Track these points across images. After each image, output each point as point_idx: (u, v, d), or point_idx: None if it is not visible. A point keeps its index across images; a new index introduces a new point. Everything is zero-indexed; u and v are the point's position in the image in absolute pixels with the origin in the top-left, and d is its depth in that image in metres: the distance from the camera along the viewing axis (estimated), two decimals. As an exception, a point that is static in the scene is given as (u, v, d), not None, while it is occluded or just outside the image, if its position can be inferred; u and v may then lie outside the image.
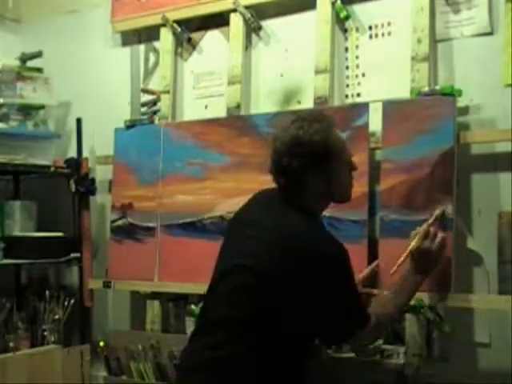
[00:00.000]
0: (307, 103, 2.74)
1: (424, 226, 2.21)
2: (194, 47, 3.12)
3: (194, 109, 3.09)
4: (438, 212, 2.25)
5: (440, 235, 2.17)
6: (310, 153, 1.91)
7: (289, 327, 1.87)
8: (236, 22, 2.91)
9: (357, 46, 2.71)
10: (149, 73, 3.27)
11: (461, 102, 2.41)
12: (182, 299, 2.92)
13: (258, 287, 1.87)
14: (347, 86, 2.73)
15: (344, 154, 2.00)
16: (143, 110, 3.21)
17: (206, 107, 3.07)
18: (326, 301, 1.88)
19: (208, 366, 1.90)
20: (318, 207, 2.03)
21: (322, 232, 2.00)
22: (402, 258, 2.17)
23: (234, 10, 2.90)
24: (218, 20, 3.01)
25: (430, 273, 2.16)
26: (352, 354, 2.49)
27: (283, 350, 1.88)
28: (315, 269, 1.85)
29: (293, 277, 1.85)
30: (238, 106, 2.86)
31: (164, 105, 3.11)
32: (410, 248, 2.17)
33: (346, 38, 2.73)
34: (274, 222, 1.95)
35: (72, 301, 3.16)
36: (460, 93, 2.38)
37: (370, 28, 2.68)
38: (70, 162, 3.23)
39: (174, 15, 3.07)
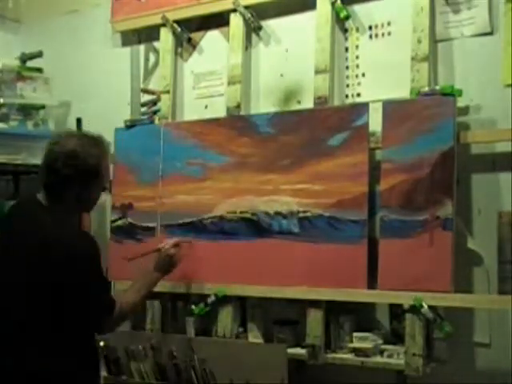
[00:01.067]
0: (307, 103, 2.74)
1: (176, 239, 2.70)
2: (194, 47, 3.12)
3: (193, 109, 3.09)
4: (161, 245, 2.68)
5: (176, 251, 2.64)
6: (81, 170, 2.18)
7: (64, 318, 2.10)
8: (236, 22, 2.91)
9: (357, 46, 2.71)
10: (149, 73, 3.27)
11: (461, 102, 2.41)
12: (181, 299, 2.92)
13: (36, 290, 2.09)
14: (347, 85, 2.73)
15: (105, 179, 2.30)
16: (143, 110, 3.22)
17: (205, 107, 3.07)
18: (80, 290, 2.11)
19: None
20: (70, 212, 2.27)
21: (73, 231, 2.24)
22: (150, 251, 2.65)
23: (234, 10, 2.90)
24: (218, 20, 3.01)
25: (166, 274, 2.58)
26: (352, 355, 2.50)
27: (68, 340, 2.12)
28: (70, 263, 2.09)
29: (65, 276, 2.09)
30: (238, 106, 2.86)
31: (164, 105, 3.11)
32: (160, 246, 2.65)
33: (346, 38, 2.73)
34: (40, 229, 2.15)
35: (72, 301, 3.15)
36: (460, 93, 2.38)
37: (370, 28, 2.68)
38: (70, 162, 3.22)
39: (174, 15, 3.07)
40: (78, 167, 2.16)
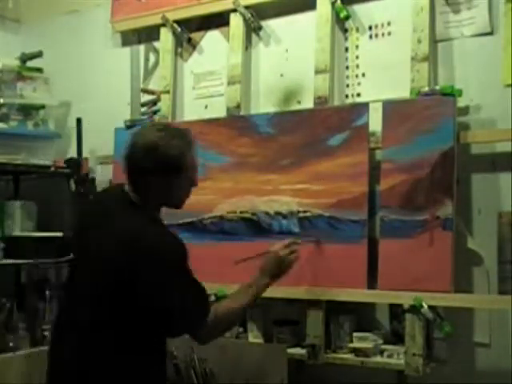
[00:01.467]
0: (307, 103, 2.75)
1: (290, 239, 2.36)
2: (194, 47, 3.12)
3: (193, 109, 3.09)
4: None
5: (296, 254, 2.33)
6: (162, 162, 2.04)
7: (143, 324, 1.99)
8: (236, 21, 2.91)
9: (357, 46, 2.71)
10: (149, 73, 3.27)
11: (461, 102, 2.41)
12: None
13: (118, 289, 1.99)
14: (347, 86, 2.73)
15: (190, 172, 2.14)
16: (143, 110, 3.22)
17: (205, 107, 3.07)
18: (168, 295, 1.99)
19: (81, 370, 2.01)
20: (155, 208, 2.15)
21: (162, 230, 2.11)
22: (256, 254, 2.34)
23: (234, 10, 2.90)
24: (218, 20, 3.01)
25: (276, 280, 2.27)
26: (352, 355, 2.50)
27: (143, 347, 2.02)
28: (157, 265, 1.97)
29: (144, 275, 1.97)
30: (238, 106, 2.86)
31: (164, 105, 3.11)
32: (272, 248, 2.31)
33: (346, 38, 2.73)
34: (121, 225, 2.06)
35: (72, 301, 3.16)
36: (460, 93, 2.38)
37: (370, 28, 2.68)
38: (70, 162, 3.23)
39: (174, 15, 3.07)
40: (157, 159, 2.03)
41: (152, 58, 3.26)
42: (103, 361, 2.00)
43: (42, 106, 3.30)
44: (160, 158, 2.04)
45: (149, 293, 1.96)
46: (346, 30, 2.73)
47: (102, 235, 2.06)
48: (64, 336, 2.12)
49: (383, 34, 2.65)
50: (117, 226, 2.05)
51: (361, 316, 2.61)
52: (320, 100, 2.65)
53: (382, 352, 2.48)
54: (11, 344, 2.96)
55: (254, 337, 2.73)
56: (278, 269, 2.28)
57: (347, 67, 2.73)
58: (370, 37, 2.68)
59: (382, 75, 2.63)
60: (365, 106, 2.54)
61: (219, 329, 2.15)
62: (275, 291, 2.60)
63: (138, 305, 1.97)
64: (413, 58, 2.48)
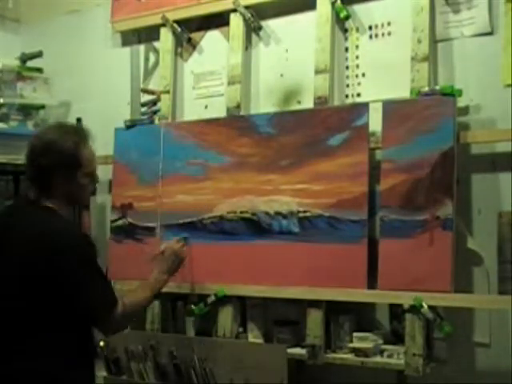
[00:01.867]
0: (307, 103, 2.74)
1: (176, 238, 2.70)
2: (194, 47, 3.12)
3: (193, 109, 3.09)
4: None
5: (185, 248, 2.65)
6: (59, 158, 2.14)
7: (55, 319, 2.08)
8: (236, 21, 2.91)
9: (357, 46, 2.71)
10: (149, 73, 3.27)
11: (461, 102, 2.41)
12: (181, 299, 2.92)
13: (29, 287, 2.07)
14: (347, 85, 2.73)
15: (89, 167, 2.24)
16: (143, 110, 3.22)
17: (205, 107, 3.07)
18: (79, 286, 2.10)
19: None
20: (62, 207, 2.21)
21: (69, 227, 2.22)
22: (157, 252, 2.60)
23: (234, 10, 2.90)
24: (218, 20, 3.01)
25: (173, 273, 2.52)
26: (352, 355, 2.50)
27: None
28: (66, 260, 2.07)
29: (53, 271, 2.06)
30: (238, 106, 2.86)
31: (164, 105, 3.10)
32: (162, 247, 2.60)
33: (346, 38, 2.73)
34: (31, 226, 2.14)
35: (72, 301, 3.15)
36: (460, 93, 2.38)
37: (370, 28, 2.68)
38: (70, 162, 3.22)
39: (174, 15, 3.07)
40: (53, 156, 2.13)
41: (152, 58, 3.26)
42: (25, 362, 2.05)
43: (42, 106, 3.30)
44: (58, 155, 2.14)
45: (61, 288, 2.05)
46: (346, 30, 2.73)
47: (13, 237, 2.14)
48: None
49: (383, 34, 2.65)
50: (28, 226, 2.14)
51: (361, 316, 2.61)
52: (320, 100, 2.65)
53: (382, 352, 2.48)
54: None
55: (254, 337, 2.73)
56: (174, 264, 2.53)
57: (347, 67, 2.73)
58: (370, 37, 2.68)
59: (382, 75, 2.63)
60: (365, 106, 2.54)
61: (125, 322, 2.32)
62: (275, 291, 2.61)
63: (50, 302, 2.06)
64: (413, 58, 2.48)
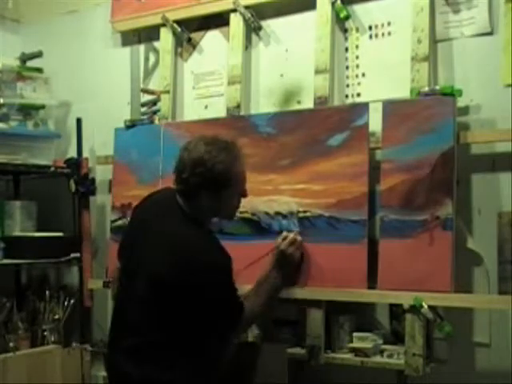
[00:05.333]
0: (307, 103, 2.75)
1: (293, 234, 2.47)
2: (194, 47, 3.12)
3: (193, 109, 3.09)
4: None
5: (300, 249, 2.47)
6: (209, 177, 2.13)
7: (193, 326, 2.12)
8: (236, 22, 2.91)
9: (357, 46, 2.71)
10: (149, 73, 3.27)
11: (461, 102, 2.41)
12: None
13: (165, 297, 2.10)
14: (347, 85, 2.73)
15: (239, 185, 2.23)
16: (143, 110, 3.22)
17: (205, 107, 3.07)
18: (215, 303, 2.14)
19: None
20: (206, 220, 2.27)
21: (211, 243, 2.21)
22: (265, 255, 2.47)
23: (234, 10, 2.90)
24: (218, 20, 3.01)
25: (286, 280, 2.42)
26: (352, 355, 2.50)
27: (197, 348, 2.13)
28: (206, 276, 2.09)
29: (189, 285, 2.09)
30: (238, 106, 2.86)
31: (164, 105, 3.11)
32: (279, 246, 2.43)
33: (346, 38, 2.73)
34: (173, 233, 2.17)
35: (72, 301, 3.16)
36: (460, 93, 2.38)
37: (370, 28, 2.68)
38: (69, 162, 3.23)
39: (174, 15, 3.07)
40: (205, 175, 2.12)
41: (152, 58, 3.26)
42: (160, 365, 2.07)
43: (42, 106, 3.30)
44: (208, 174, 2.10)
45: (200, 305, 2.09)
46: (346, 30, 2.73)
47: (151, 246, 2.14)
48: (117, 340, 2.19)
49: (383, 34, 2.65)
50: (168, 237, 2.14)
51: (361, 316, 2.61)
52: (320, 100, 2.65)
53: (381, 352, 2.48)
54: (11, 344, 2.96)
55: (254, 337, 2.73)
56: (287, 266, 2.41)
57: (347, 67, 2.73)
58: (370, 37, 2.68)
59: (382, 75, 2.63)
60: (365, 106, 2.54)
61: (246, 327, 2.38)
62: (275, 291, 2.60)
63: (189, 314, 2.09)
64: (413, 58, 2.48)
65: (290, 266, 2.44)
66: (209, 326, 2.13)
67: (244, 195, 2.29)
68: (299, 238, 2.48)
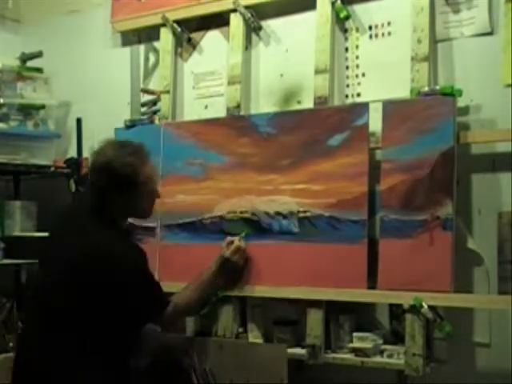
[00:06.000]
0: (307, 103, 2.75)
1: (237, 241, 2.57)
2: (194, 47, 3.12)
3: (193, 109, 3.09)
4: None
5: (240, 253, 2.56)
6: (117, 180, 2.25)
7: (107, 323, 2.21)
8: (236, 22, 2.91)
9: (357, 46, 2.71)
10: (149, 73, 3.27)
11: (461, 102, 2.41)
12: (181, 299, 2.92)
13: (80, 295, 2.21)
14: (347, 85, 2.73)
15: (149, 186, 2.34)
16: (143, 110, 3.22)
17: (205, 107, 3.07)
18: (132, 296, 2.25)
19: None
20: (122, 220, 2.38)
21: (121, 241, 2.32)
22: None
23: (234, 10, 2.90)
24: (218, 20, 3.01)
25: (226, 284, 2.56)
26: (352, 355, 2.50)
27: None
28: (121, 270, 2.22)
29: (109, 280, 2.21)
30: (238, 106, 2.86)
31: (164, 105, 3.11)
32: (224, 254, 2.54)
33: (346, 38, 2.73)
34: (83, 235, 2.28)
35: (72, 301, 3.15)
36: (460, 93, 2.38)
37: (370, 28, 2.68)
38: (69, 162, 3.23)
39: (174, 15, 3.07)
40: (112, 178, 2.23)
41: (152, 58, 3.26)
42: (65, 361, 2.16)
43: (42, 106, 3.30)
44: (115, 177, 2.22)
45: (117, 295, 2.20)
46: (346, 30, 2.73)
47: (66, 248, 2.26)
48: (30, 338, 2.28)
49: (383, 34, 2.65)
50: (80, 236, 2.27)
51: (361, 316, 2.61)
52: (320, 100, 2.65)
53: (381, 352, 2.48)
54: (11, 344, 2.96)
55: (254, 337, 2.73)
56: (230, 273, 2.55)
57: (347, 67, 2.73)
58: (370, 37, 2.68)
59: (382, 75, 2.63)
60: (365, 106, 2.54)
61: (176, 319, 2.50)
62: (275, 291, 2.61)
63: (106, 306, 2.18)
64: (413, 58, 2.48)
65: (232, 273, 2.56)
66: (121, 314, 2.22)
67: (157, 196, 2.42)
68: (243, 244, 2.58)
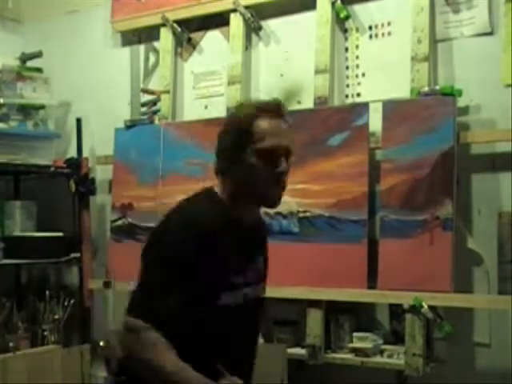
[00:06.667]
0: (307, 103, 2.74)
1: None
2: (194, 47, 3.12)
3: (193, 109, 3.09)
4: None
5: None
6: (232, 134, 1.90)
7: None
8: (236, 22, 2.91)
9: (357, 46, 2.71)
10: (149, 73, 3.27)
11: (461, 102, 2.41)
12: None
13: None
14: (347, 85, 2.73)
15: (259, 143, 1.83)
16: (143, 110, 3.21)
17: (205, 107, 3.07)
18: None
19: None
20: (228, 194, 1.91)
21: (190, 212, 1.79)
22: None
23: (234, 10, 2.90)
24: (218, 20, 3.01)
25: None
26: (352, 355, 2.50)
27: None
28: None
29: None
30: (238, 106, 2.86)
31: (164, 105, 3.11)
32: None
33: (346, 38, 2.73)
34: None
35: (72, 301, 3.16)
36: (460, 93, 2.38)
37: (370, 28, 2.68)
38: (70, 162, 3.23)
39: (174, 15, 3.07)
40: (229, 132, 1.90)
41: (152, 58, 3.25)
42: None
43: (42, 106, 3.30)
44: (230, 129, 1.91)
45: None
46: (346, 30, 2.73)
47: None
48: None
49: (383, 34, 2.65)
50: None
51: (361, 316, 2.61)
52: (320, 100, 2.65)
53: (381, 352, 2.48)
54: (11, 344, 2.96)
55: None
56: None
57: (347, 67, 2.73)
58: (370, 37, 2.68)
59: (382, 75, 2.63)
60: (365, 106, 2.54)
61: (136, 353, 1.60)
62: (275, 291, 2.61)
63: None
64: (413, 58, 2.48)
65: None
66: None
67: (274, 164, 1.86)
68: None
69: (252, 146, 1.79)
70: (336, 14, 2.68)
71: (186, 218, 1.76)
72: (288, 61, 2.86)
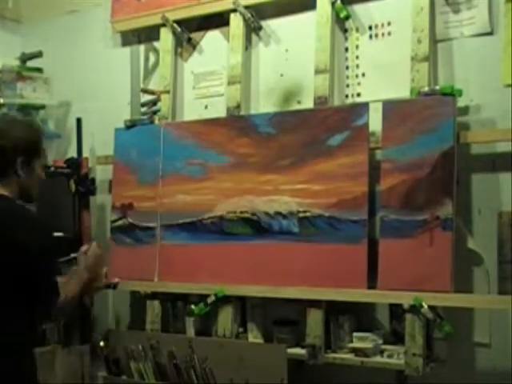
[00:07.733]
0: (307, 103, 2.75)
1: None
2: (194, 47, 3.12)
3: (193, 109, 3.09)
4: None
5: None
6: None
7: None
8: (236, 22, 2.91)
9: (357, 46, 2.71)
10: (149, 73, 3.27)
11: (461, 102, 2.41)
12: (181, 299, 2.92)
13: None
14: (347, 85, 2.73)
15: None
16: (143, 110, 3.21)
17: (205, 107, 3.07)
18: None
19: None
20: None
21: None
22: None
23: (234, 10, 2.90)
24: (218, 20, 3.01)
25: (93, 274, 2.39)
26: (352, 355, 2.50)
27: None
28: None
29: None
30: (238, 106, 2.86)
31: (164, 105, 3.10)
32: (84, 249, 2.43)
33: (346, 38, 2.73)
34: None
35: (72, 301, 3.15)
36: (460, 93, 2.38)
37: (370, 28, 2.68)
38: (70, 162, 3.22)
39: (174, 15, 3.07)
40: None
41: (152, 58, 3.26)
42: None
43: (42, 106, 3.30)
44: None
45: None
46: (345, 30, 2.73)
47: None
48: None
49: (383, 34, 2.65)
50: None
51: (361, 316, 2.61)
52: (320, 100, 2.65)
53: (381, 352, 2.48)
54: (11, 344, 2.95)
55: (254, 337, 2.73)
56: (94, 266, 2.41)
57: (347, 67, 2.73)
58: (370, 37, 2.68)
59: (382, 75, 2.63)
60: (365, 106, 2.54)
61: (63, 311, 2.28)
62: (275, 291, 2.61)
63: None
64: (413, 58, 2.48)
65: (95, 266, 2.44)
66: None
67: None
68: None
69: None
70: (336, 13, 2.68)
71: None
72: (288, 61, 2.86)
